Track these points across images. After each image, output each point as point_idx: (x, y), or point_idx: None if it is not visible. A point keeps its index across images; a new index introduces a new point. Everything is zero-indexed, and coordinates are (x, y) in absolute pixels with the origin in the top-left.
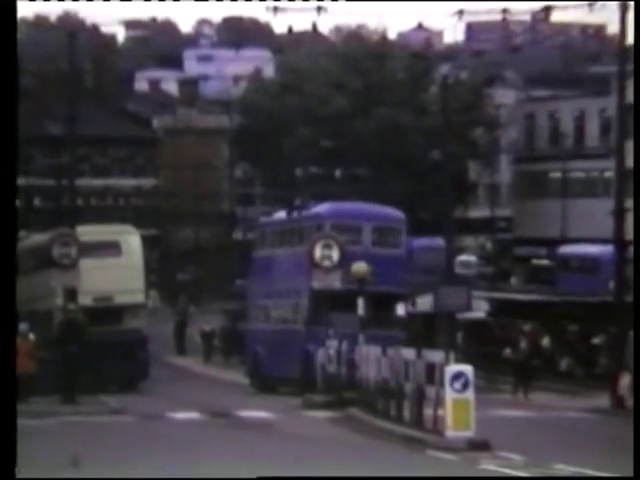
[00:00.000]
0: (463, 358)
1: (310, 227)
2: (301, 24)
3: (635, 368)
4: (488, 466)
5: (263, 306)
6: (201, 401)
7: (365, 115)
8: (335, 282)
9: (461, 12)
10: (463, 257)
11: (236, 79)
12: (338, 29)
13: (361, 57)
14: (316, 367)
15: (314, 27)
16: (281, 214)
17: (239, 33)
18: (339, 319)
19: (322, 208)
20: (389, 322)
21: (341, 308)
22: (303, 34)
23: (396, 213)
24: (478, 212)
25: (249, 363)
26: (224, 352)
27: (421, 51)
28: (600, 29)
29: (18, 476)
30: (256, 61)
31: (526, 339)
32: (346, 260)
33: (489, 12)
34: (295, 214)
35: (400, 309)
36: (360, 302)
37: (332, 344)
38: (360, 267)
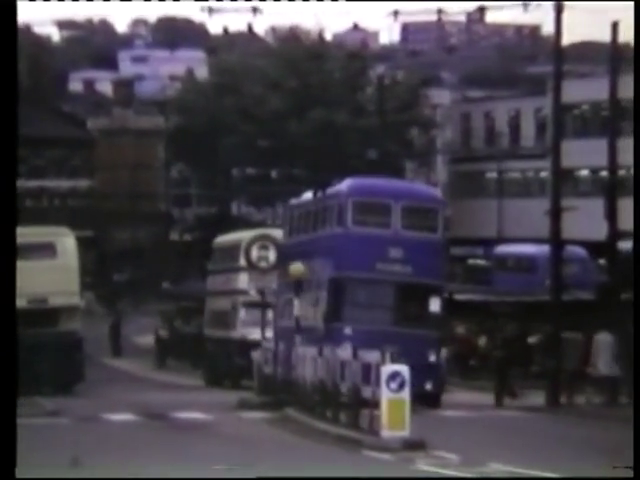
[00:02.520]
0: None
1: (331, 208)
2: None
3: (635, 367)
4: (423, 466)
5: (287, 300)
6: (137, 403)
7: (302, 115)
8: (271, 284)
9: (396, 13)
10: None
11: (171, 79)
12: (274, 30)
13: (297, 57)
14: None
15: (249, 28)
16: (308, 194)
17: (174, 33)
18: (364, 314)
19: (343, 185)
20: (421, 319)
21: (368, 301)
22: (238, 35)
23: (432, 191)
24: None
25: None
26: (160, 355)
27: (357, 51)
28: (535, 29)
29: (18, 476)
30: (191, 62)
31: (457, 340)
32: (374, 245)
33: (424, 12)
34: (320, 194)
35: (434, 304)
36: (296, 303)
37: (345, 345)
38: (297, 268)
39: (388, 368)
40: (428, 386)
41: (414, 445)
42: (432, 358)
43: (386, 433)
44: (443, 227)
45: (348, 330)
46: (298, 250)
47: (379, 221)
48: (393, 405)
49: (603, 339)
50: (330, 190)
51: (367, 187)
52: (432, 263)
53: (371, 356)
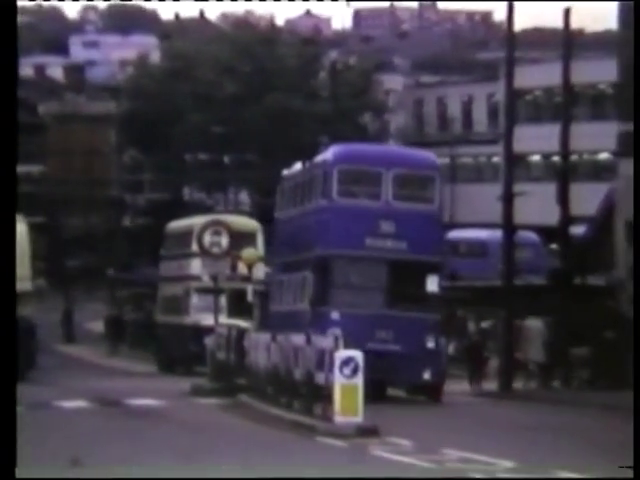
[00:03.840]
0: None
1: (317, 178)
2: (188, 11)
3: (635, 367)
4: (377, 452)
5: (279, 282)
6: (90, 389)
7: (255, 101)
8: (225, 269)
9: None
10: None
11: (122, 64)
12: (225, 16)
13: (250, 43)
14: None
15: (201, 14)
16: (299, 164)
17: (125, 19)
18: (353, 297)
19: (329, 152)
20: (418, 300)
21: (358, 282)
22: (190, 21)
23: (427, 156)
24: None
25: None
26: (112, 342)
27: (310, 37)
28: (487, 16)
29: (18, 476)
30: (142, 47)
31: None
32: (363, 219)
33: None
34: (307, 163)
35: (432, 283)
36: (249, 289)
37: (333, 332)
38: (250, 253)
39: (342, 353)
40: (426, 376)
41: (368, 431)
42: (430, 344)
43: (339, 419)
44: (440, 197)
45: (335, 315)
46: (289, 226)
47: (369, 191)
48: (346, 391)
49: (533, 325)
50: (317, 158)
51: (354, 154)
52: (428, 237)
53: (325, 342)
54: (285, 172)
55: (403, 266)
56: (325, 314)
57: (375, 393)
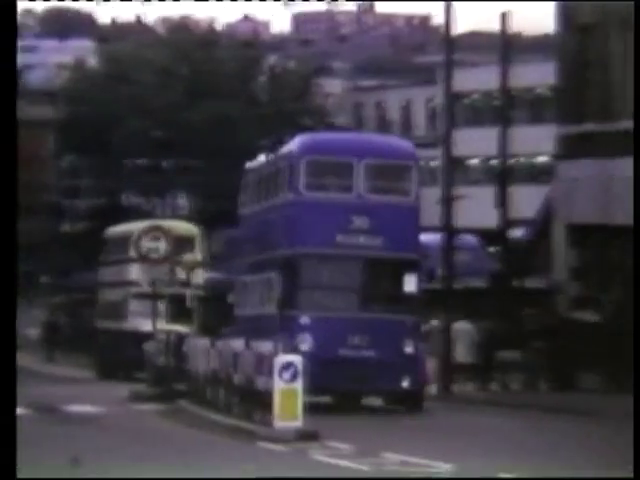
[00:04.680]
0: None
1: (282, 170)
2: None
3: (635, 367)
4: (317, 456)
5: (245, 284)
6: (27, 396)
7: (195, 105)
8: (163, 275)
9: (288, 1)
10: None
11: (60, 69)
12: (164, 20)
13: (189, 47)
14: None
15: (139, 17)
16: (262, 156)
17: (62, 23)
18: (324, 299)
19: (294, 142)
20: (395, 301)
21: (329, 282)
22: (128, 25)
23: (403, 144)
24: None
25: None
26: (49, 348)
27: (249, 41)
28: (425, 19)
29: (18, 476)
30: (80, 51)
31: None
32: (334, 214)
33: (315, 1)
34: (272, 155)
35: (409, 282)
36: (188, 295)
37: (303, 337)
38: (189, 258)
39: (281, 358)
40: (405, 383)
41: (308, 436)
42: (409, 349)
43: (279, 424)
44: (418, 189)
45: (305, 319)
46: (253, 222)
47: (339, 184)
48: (286, 395)
49: (461, 328)
50: (282, 150)
51: (323, 143)
52: (405, 233)
53: (264, 346)
54: (248, 165)
55: (378, 264)
56: (294, 318)
57: (349, 404)
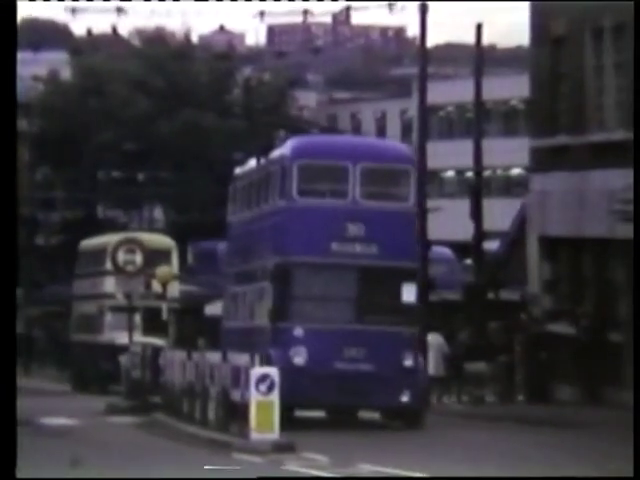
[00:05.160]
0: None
1: (273, 175)
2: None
3: (635, 367)
4: (292, 467)
5: (234, 295)
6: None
7: (169, 117)
8: (139, 287)
9: (262, 13)
10: None
11: (34, 80)
12: (139, 31)
13: (163, 59)
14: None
15: (114, 29)
16: (253, 161)
17: (36, 34)
18: (319, 310)
19: (286, 146)
20: (392, 312)
21: (323, 293)
22: (102, 36)
23: (400, 148)
24: None
25: None
26: (25, 361)
27: (224, 52)
28: (400, 31)
29: (18, 476)
30: (54, 63)
31: None
32: (328, 221)
33: (290, 13)
34: (262, 159)
35: (408, 292)
36: (164, 307)
37: (297, 350)
38: (164, 271)
39: (257, 370)
40: (404, 398)
41: (284, 447)
42: (408, 362)
43: (255, 436)
44: (415, 194)
45: (299, 331)
46: (242, 230)
47: (333, 189)
48: (262, 407)
49: (432, 340)
50: (273, 154)
51: (316, 147)
52: (403, 240)
53: (240, 358)
54: (237, 170)
55: (374, 273)
56: (287, 330)
57: (344, 419)
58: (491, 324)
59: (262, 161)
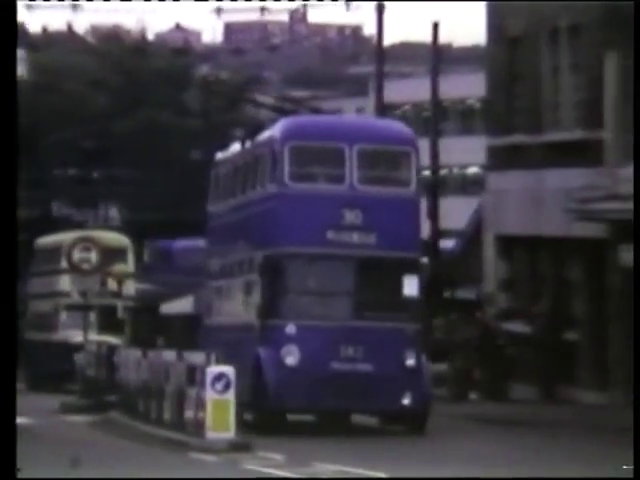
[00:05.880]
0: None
1: (262, 159)
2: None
3: (635, 367)
4: (248, 466)
5: (217, 290)
6: None
7: (125, 115)
8: (94, 286)
9: (219, 10)
10: None
11: None
12: (94, 28)
13: (120, 56)
14: (268, 384)
15: (69, 26)
16: (237, 145)
17: None
18: (313, 305)
19: (276, 127)
20: (393, 307)
21: (318, 286)
22: (58, 33)
23: (400, 128)
24: None
25: None
26: None
27: (181, 49)
28: (357, 30)
29: (18, 476)
30: None
31: None
32: (323, 208)
33: (247, 10)
34: (248, 142)
35: (410, 285)
36: (120, 305)
37: (289, 349)
38: (120, 269)
39: (213, 369)
40: (406, 400)
41: (240, 446)
42: (410, 361)
43: (211, 434)
44: (417, 178)
45: (291, 328)
46: (226, 220)
47: (328, 173)
48: (218, 406)
49: None
50: (261, 136)
51: (309, 127)
52: (404, 229)
53: (196, 357)
54: (219, 155)
55: (374, 265)
56: (278, 328)
57: (337, 423)
58: (449, 317)
59: (248, 144)
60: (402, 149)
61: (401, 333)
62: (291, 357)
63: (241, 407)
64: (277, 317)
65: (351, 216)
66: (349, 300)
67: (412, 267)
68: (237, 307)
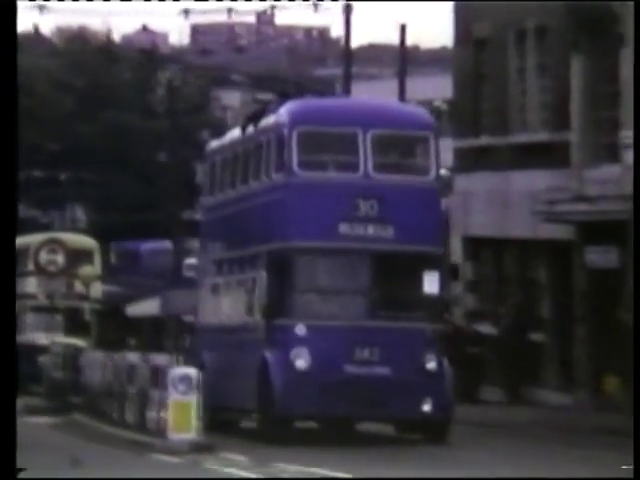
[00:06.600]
0: (189, 360)
1: (267, 146)
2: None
3: (635, 367)
4: (211, 467)
5: (214, 286)
6: None
7: (91, 117)
8: (61, 288)
9: (187, 11)
10: (191, 260)
11: None
12: (60, 30)
13: (86, 58)
14: (275, 389)
15: (35, 28)
16: (236, 131)
17: None
18: (325, 304)
19: (283, 110)
20: (412, 305)
21: (330, 283)
22: (24, 35)
23: (418, 112)
24: None
25: None
26: None
27: (147, 51)
28: (324, 31)
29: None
30: None
31: None
32: (335, 198)
33: (215, 11)
34: (251, 127)
35: (430, 282)
36: (86, 308)
37: (299, 352)
38: (87, 271)
39: (177, 371)
40: (426, 407)
41: (202, 447)
42: (431, 364)
43: (173, 436)
44: (437, 165)
45: (301, 329)
46: (224, 213)
47: (340, 161)
48: (180, 408)
49: None
50: (264, 120)
51: (319, 111)
52: (424, 221)
53: (160, 359)
54: (213, 144)
55: (391, 260)
56: (286, 329)
57: (341, 430)
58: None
59: (250, 130)
60: (420, 134)
61: (421, 334)
62: (301, 360)
63: (243, 414)
64: (285, 317)
65: (366, 207)
66: (364, 298)
67: (433, 262)
68: (238, 306)
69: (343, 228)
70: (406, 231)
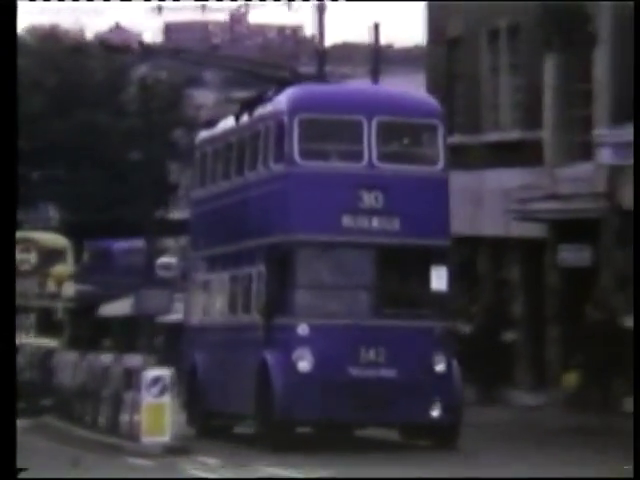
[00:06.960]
0: (163, 361)
1: (265, 134)
2: None
3: (635, 368)
4: (184, 470)
5: (206, 283)
6: None
7: (62, 115)
8: (33, 287)
9: (160, 8)
10: (164, 259)
11: None
12: (32, 28)
13: (57, 56)
14: (276, 393)
15: None
16: (229, 120)
17: None
18: (327, 301)
19: (283, 97)
20: (419, 303)
21: (333, 280)
22: None
23: (425, 99)
24: (179, 213)
25: (185, 385)
26: None
27: (119, 49)
28: (297, 30)
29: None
30: None
31: None
32: (338, 189)
33: (188, 9)
34: (246, 115)
35: (438, 278)
36: (59, 307)
37: (301, 353)
38: (59, 270)
39: (150, 373)
40: (435, 412)
41: (176, 450)
42: (440, 366)
43: (146, 439)
44: (445, 154)
45: (303, 329)
46: (218, 205)
47: (344, 150)
48: (153, 410)
49: None
50: (262, 108)
51: (321, 97)
52: (431, 212)
53: (134, 360)
54: (204, 133)
55: (397, 255)
56: (287, 328)
57: (339, 435)
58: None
59: (245, 118)
60: (428, 122)
61: (429, 333)
62: (304, 362)
63: (238, 419)
64: (286, 316)
65: (370, 198)
66: (369, 295)
67: (441, 257)
68: (233, 304)
69: (346, 221)
70: (412, 223)
